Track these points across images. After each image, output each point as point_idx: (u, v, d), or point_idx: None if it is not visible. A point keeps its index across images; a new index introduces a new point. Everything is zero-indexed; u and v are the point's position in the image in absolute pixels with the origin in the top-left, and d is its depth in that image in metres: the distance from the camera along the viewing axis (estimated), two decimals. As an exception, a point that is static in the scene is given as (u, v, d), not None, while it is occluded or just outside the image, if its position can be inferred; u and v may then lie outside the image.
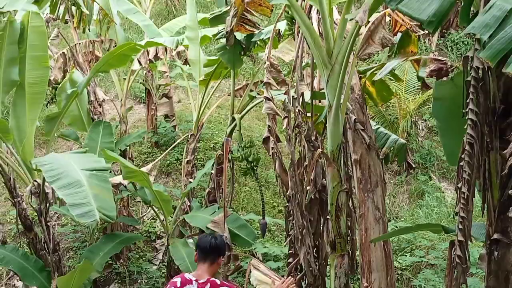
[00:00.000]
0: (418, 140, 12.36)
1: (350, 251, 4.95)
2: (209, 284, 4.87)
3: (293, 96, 5.57)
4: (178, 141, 11.28)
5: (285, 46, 7.95)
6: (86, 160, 6.12)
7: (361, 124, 4.95)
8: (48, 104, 10.84)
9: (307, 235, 5.56)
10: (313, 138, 5.47)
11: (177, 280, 4.93)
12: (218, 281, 4.97)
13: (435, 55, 5.27)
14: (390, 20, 5.09)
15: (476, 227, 3.67)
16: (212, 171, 7.97)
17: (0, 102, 7.50)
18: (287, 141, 5.73)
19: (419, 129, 12.51)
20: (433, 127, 12.60)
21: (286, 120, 5.66)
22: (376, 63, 8.57)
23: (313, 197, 5.65)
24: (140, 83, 13.04)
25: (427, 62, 4.79)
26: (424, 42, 14.27)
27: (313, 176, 5.58)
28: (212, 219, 7.23)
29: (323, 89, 5.30)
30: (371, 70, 5.56)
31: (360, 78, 5.65)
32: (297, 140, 5.63)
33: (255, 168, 6.95)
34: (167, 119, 13.00)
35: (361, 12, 3.73)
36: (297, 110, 5.48)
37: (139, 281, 9.93)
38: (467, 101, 3.09)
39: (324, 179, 5.49)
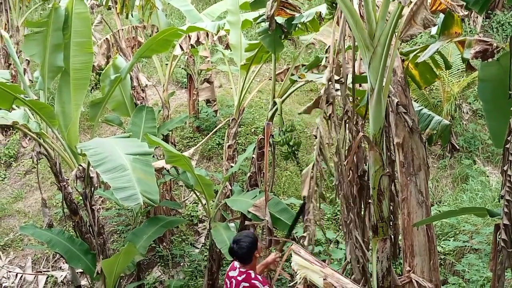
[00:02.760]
0: (462, 123, 12.13)
1: (392, 236, 4.91)
2: (244, 275, 5.56)
3: (340, 81, 5.52)
4: (220, 125, 11.31)
5: (326, 29, 7.89)
6: (129, 144, 6.18)
7: (403, 107, 4.88)
8: (92, 90, 10.97)
9: (353, 227, 5.56)
10: (355, 123, 5.43)
11: (231, 264, 5.80)
12: (252, 275, 5.56)
13: (480, 37, 5.14)
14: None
15: (523, 211, 3.58)
16: (253, 156, 7.96)
17: (46, 88, 7.63)
18: (333, 128, 5.70)
19: (463, 112, 12.25)
20: (478, 110, 12.35)
21: (330, 106, 5.64)
22: (419, 45, 8.42)
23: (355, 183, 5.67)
24: (182, 68, 13.11)
25: (472, 43, 4.67)
26: (469, 24, 13.97)
27: (355, 161, 5.59)
28: (254, 203, 7.24)
29: (364, 72, 5.25)
30: (414, 52, 5.46)
31: (403, 60, 5.56)
32: (346, 127, 5.59)
33: (296, 152, 6.92)
34: (208, 104, 13.04)
35: (404, -8, 3.66)
36: (345, 95, 5.44)
37: (181, 264, 10.05)
38: (514, 81, 3.02)
39: (365, 164, 5.46)
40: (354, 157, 5.57)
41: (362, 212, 5.64)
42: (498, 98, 3.65)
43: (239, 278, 5.61)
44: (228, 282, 5.73)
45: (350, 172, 5.48)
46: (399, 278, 4.71)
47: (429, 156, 11.74)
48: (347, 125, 5.51)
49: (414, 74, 5.65)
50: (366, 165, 5.40)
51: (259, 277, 5.59)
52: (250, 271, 5.60)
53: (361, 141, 5.27)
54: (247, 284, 5.55)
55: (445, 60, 5.69)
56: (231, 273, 5.72)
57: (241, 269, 5.64)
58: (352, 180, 5.50)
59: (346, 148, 5.53)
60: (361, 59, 5.74)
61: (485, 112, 4.05)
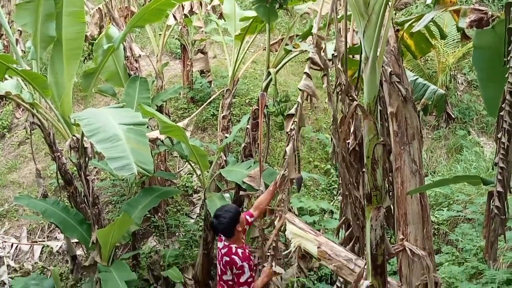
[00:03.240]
0: (457, 94, 12.15)
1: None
2: (227, 249, 5.72)
3: (333, 54, 5.52)
4: (214, 96, 11.28)
5: (321, -2, 7.82)
6: (123, 114, 6.15)
7: (397, 77, 4.86)
8: (85, 60, 10.93)
9: (353, 189, 5.63)
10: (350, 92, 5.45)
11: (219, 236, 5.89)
12: (233, 249, 5.70)
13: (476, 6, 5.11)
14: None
15: (516, 178, 3.59)
16: (248, 126, 7.96)
17: (38, 58, 7.58)
18: (328, 99, 5.72)
19: (458, 83, 12.27)
20: (473, 81, 12.36)
21: (325, 77, 5.66)
22: (414, 15, 8.37)
23: (356, 148, 5.73)
24: (176, 38, 13.05)
25: (467, 12, 4.64)
26: (465, -5, 13.92)
27: (352, 129, 5.64)
28: (248, 174, 7.26)
29: (356, 44, 5.23)
30: (410, 22, 5.43)
31: (398, 30, 5.53)
32: (338, 99, 5.62)
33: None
34: (202, 74, 12.99)
35: (399, -41, 3.62)
36: (338, 67, 5.45)
37: (177, 234, 10.11)
38: (509, 49, 3.00)
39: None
40: (351, 125, 5.64)
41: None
42: (493, 66, 3.63)
43: (223, 251, 5.75)
44: (217, 253, 5.93)
45: (349, 138, 5.56)
46: (392, 246, 4.74)
47: (424, 127, 11.77)
48: (338, 96, 5.57)
49: (409, 44, 5.62)
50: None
51: (239, 251, 5.68)
52: (232, 245, 5.71)
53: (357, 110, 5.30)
54: (228, 258, 5.69)
55: (440, 30, 5.66)
56: (219, 244, 5.88)
57: (225, 242, 5.78)
58: (350, 145, 5.60)
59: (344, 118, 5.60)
60: (353, 30, 5.73)
61: (480, 80, 4.04)
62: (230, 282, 5.78)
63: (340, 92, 5.52)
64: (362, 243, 5.69)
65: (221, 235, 5.83)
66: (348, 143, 5.73)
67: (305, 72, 5.74)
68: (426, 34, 5.54)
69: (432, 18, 4.92)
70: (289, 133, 5.76)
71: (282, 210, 5.70)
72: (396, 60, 5.00)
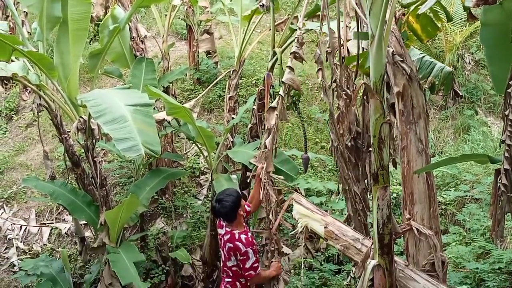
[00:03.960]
0: (465, 73, 12.07)
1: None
2: (229, 235, 5.66)
3: (327, 51, 5.56)
4: (220, 77, 11.26)
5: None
6: (130, 95, 6.16)
7: (399, 56, 4.85)
8: (91, 41, 10.92)
9: (352, 184, 5.68)
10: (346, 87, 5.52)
11: (218, 220, 5.89)
12: (236, 236, 5.63)
13: (483, -17, 5.07)
14: None
15: (523, 157, 3.59)
16: (254, 107, 7.95)
17: (45, 39, 7.59)
18: (323, 93, 5.77)
19: (466, 62, 12.18)
20: (480, 60, 12.27)
21: (320, 72, 5.70)
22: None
23: (349, 144, 5.75)
24: (181, 19, 13.00)
25: (475, -10, 4.62)
26: (472, -28, 13.78)
27: (347, 123, 5.69)
28: (255, 155, 7.28)
29: (350, 39, 5.24)
30: (415, 5, 5.39)
31: (404, 14, 5.51)
32: (334, 95, 5.69)
33: (297, 103, 6.91)
34: (208, 55, 12.95)
35: None
36: (333, 65, 5.52)
37: (184, 215, 10.16)
38: (517, 26, 2.99)
39: (358, 127, 5.55)
40: (347, 120, 5.69)
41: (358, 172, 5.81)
42: (501, 43, 3.60)
43: (225, 238, 5.70)
44: (219, 240, 5.87)
45: (347, 132, 5.60)
46: (399, 226, 4.76)
47: (431, 107, 11.72)
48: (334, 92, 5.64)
49: (415, 28, 5.59)
50: (358, 127, 5.57)
51: (242, 237, 5.63)
52: (235, 231, 5.66)
53: (352, 105, 5.37)
54: (231, 245, 5.64)
55: (446, 12, 5.64)
56: (219, 231, 5.83)
57: (227, 228, 5.72)
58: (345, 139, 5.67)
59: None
60: (346, 26, 5.71)
61: (487, 57, 4.01)
62: (234, 268, 5.76)
63: (335, 88, 5.58)
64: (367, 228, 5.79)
65: (221, 221, 5.79)
66: (346, 138, 5.79)
67: (288, 66, 5.76)
68: (432, 17, 5.51)
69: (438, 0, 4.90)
70: (269, 126, 5.77)
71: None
72: (397, 40, 4.99)
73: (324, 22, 5.57)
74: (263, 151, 5.88)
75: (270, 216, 5.86)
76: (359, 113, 5.52)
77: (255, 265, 5.61)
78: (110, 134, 5.50)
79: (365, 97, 5.24)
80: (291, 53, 5.79)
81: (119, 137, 5.41)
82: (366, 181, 5.84)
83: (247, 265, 5.59)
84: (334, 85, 5.64)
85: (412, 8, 5.45)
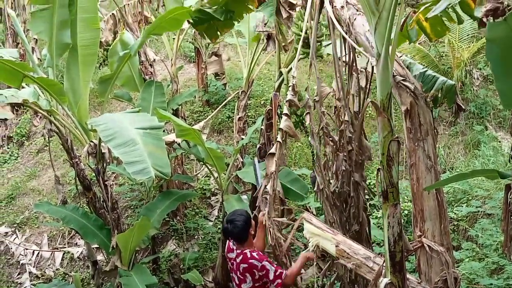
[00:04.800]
0: (473, 89, 12.06)
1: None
2: (241, 256, 5.50)
3: (314, 99, 5.72)
4: (229, 98, 11.32)
5: None
6: (139, 119, 6.21)
7: (401, 76, 4.87)
8: (101, 66, 11.00)
9: (338, 227, 5.72)
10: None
11: (227, 245, 5.78)
12: (248, 254, 5.49)
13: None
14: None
15: (532, 172, 3.60)
16: (262, 127, 7.98)
17: (54, 65, 7.66)
18: (310, 136, 5.83)
19: (474, 78, 12.17)
20: (489, 76, 12.26)
21: (308, 116, 5.78)
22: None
23: (337, 190, 5.87)
24: (189, 42, 13.10)
25: (484, 1, 4.64)
26: (478, -12, 13.81)
27: (334, 169, 5.88)
28: (264, 174, 7.29)
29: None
30: (425, 5, 5.41)
31: (415, 12, 5.51)
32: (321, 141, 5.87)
33: (303, 122, 6.93)
34: (217, 77, 13.03)
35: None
36: (320, 113, 5.63)
37: (196, 237, 10.16)
38: (521, 41, 2.99)
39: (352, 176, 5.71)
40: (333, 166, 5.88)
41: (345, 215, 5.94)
42: (506, 59, 3.61)
43: (238, 260, 5.55)
44: (230, 264, 5.72)
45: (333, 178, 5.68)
46: (410, 243, 4.75)
47: (440, 123, 11.71)
48: (322, 140, 5.84)
49: (425, 26, 5.56)
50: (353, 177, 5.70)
51: (254, 254, 5.49)
52: (246, 251, 5.52)
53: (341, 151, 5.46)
54: (245, 265, 5.49)
55: (457, 15, 5.61)
56: (230, 255, 5.70)
57: (237, 251, 5.60)
58: (333, 185, 5.88)
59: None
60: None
61: (494, 73, 4.00)
62: None
63: (322, 135, 5.66)
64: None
65: (231, 244, 5.70)
66: (331, 183, 5.88)
67: (284, 113, 5.78)
68: (442, 17, 5.48)
69: (449, 4, 4.90)
70: (269, 173, 5.76)
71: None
72: (398, 62, 5.02)
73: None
74: (264, 197, 5.86)
75: (284, 259, 5.84)
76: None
77: (278, 272, 5.42)
78: (120, 157, 5.54)
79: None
80: (286, 101, 5.82)
81: (129, 160, 5.45)
82: (353, 226, 5.93)
83: (271, 277, 5.41)
84: (321, 132, 5.77)
85: (422, 8, 5.46)
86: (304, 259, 5.55)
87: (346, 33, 5.06)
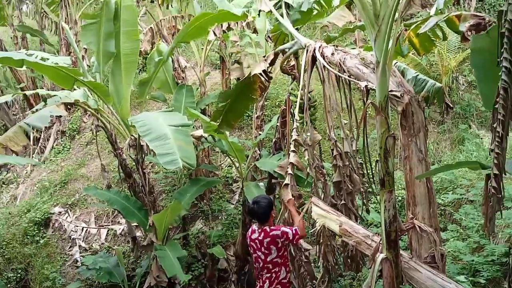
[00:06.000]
0: (459, 93, 11.92)
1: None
2: (263, 233, 5.43)
3: (308, 144, 5.73)
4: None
5: (338, 13, 7.78)
6: (172, 117, 6.24)
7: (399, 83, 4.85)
8: (140, 72, 11.03)
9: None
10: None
11: (250, 229, 5.68)
12: (268, 229, 5.43)
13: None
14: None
15: (511, 163, 3.54)
16: (277, 124, 7.95)
17: (101, 71, 7.71)
18: (309, 168, 5.82)
19: (460, 83, 12.04)
20: (472, 82, 12.11)
21: (306, 151, 5.76)
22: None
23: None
24: (215, 51, 13.07)
25: (467, 17, 4.60)
26: (464, 7, 13.62)
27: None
28: (279, 164, 7.25)
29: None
30: (416, 24, 5.37)
31: (406, 29, 5.48)
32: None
33: (312, 121, 6.90)
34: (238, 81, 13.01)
35: (404, -24, 3.60)
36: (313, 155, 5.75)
37: (219, 217, 10.17)
38: (502, 51, 2.95)
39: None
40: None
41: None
42: (488, 66, 3.56)
43: (260, 237, 5.43)
44: (254, 245, 5.56)
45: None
46: (403, 224, 4.71)
47: (430, 122, 11.58)
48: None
49: (414, 42, 5.55)
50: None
51: (273, 227, 5.42)
52: (265, 227, 5.42)
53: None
54: (268, 239, 5.39)
55: (443, 32, 5.58)
56: (253, 236, 5.55)
57: (258, 230, 5.49)
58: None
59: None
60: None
61: (477, 79, 3.96)
62: (275, 260, 5.48)
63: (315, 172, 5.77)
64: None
65: (254, 227, 5.59)
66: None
67: (292, 150, 5.71)
68: (430, 35, 5.47)
69: (437, 22, 4.86)
70: (284, 201, 5.67)
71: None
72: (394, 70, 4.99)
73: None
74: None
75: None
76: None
77: (294, 230, 5.33)
78: (154, 149, 5.57)
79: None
80: (292, 141, 5.78)
81: (162, 152, 5.48)
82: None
83: (291, 237, 5.36)
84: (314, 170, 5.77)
85: (413, 26, 5.43)
86: (293, 208, 5.53)
87: (339, 71, 5.06)
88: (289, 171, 5.65)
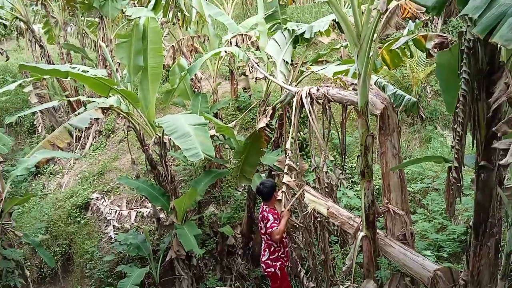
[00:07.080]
0: (427, 100, 11.87)
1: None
2: (263, 211, 5.69)
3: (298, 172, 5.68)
4: (253, 105, 11.29)
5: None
6: (192, 118, 6.25)
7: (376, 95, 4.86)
8: (163, 82, 11.01)
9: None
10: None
11: (261, 207, 5.83)
12: (266, 209, 5.65)
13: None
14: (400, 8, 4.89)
15: (468, 157, 3.55)
16: (276, 126, 7.98)
17: (132, 81, 7.73)
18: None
19: (427, 92, 11.99)
20: (438, 90, 12.08)
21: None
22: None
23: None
24: (225, 65, 13.08)
25: (433, 37, 4.61)
26: (431, 28, 13.57)
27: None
28: (277, 159, 7.28)
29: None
30: (388, 42, 5.38)
31: (380, 48, 5.48)
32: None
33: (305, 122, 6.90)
34: (245, 90, 13.00)
35: (381, 3, 3.60)
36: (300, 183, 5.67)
37: (228, 202, 10.17)
38: (461, 64, 2.97)
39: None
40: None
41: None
42: (450, 78, 3.57)
43: (260, 214, 5.78)
44: (259, 218, 5.88)
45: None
46: (380, 208, 4.73)
47: (403, 124, 11.55)
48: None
49: (386, 58, 5.56)
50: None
51: (267, 209, 5.65)
52: (264, 207, 5.70)
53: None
54: (260, 215, 5.73)
55: (410, 51, 5.60)
56: (262, 212, 5.81)
57: (263, 207, 5.76)
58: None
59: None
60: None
61: (441, 88, 3.97)
62: (264, 235, 5.77)
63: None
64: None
65: (263, 204, 5.78)
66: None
67: (285, 172, 5.67)
68: (399, 53, 5.50)
69: (406, 41, 4.87)
70: (279, 212, 5.69)
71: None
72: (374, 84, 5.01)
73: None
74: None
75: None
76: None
77: (273, 224, 5.51)
78: (179, 145, 5.60)
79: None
80: (285, 165, 5.74)
81: (186, 147, 5.50)
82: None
83: (268, 225, 5.56)
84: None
85: (386, 44, 5.44)
86: (286, 216, 5.56)
87: (325, 100, 5.10)
88: (283, 189, 5.67)
